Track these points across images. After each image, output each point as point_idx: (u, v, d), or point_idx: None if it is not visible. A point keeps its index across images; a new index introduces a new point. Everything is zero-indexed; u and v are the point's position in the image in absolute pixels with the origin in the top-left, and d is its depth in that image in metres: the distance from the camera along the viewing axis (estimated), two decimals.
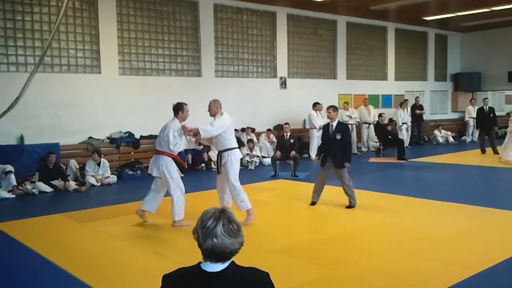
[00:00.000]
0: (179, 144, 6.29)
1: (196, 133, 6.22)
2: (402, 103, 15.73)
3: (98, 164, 9.91)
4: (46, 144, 9.83)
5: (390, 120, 15.47)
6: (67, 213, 7.23)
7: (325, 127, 7.33)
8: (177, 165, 6.45)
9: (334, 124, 7.13)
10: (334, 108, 7.20)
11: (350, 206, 7.06)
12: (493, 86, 19.25)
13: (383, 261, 4.79)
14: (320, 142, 8.56)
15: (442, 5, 14.30)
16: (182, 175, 6.54)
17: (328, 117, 7.24)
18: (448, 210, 6.92)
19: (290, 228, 6.28)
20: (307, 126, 13.62)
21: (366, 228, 6.07)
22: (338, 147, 7.04)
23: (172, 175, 6.31)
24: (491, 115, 14.05)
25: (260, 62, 13.86)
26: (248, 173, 11.16)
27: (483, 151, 13.76)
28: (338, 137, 7.03)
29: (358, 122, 14.94)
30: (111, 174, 10.19)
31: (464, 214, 6.64)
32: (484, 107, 14.21)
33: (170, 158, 6.35)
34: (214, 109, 6.37)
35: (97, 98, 10.73)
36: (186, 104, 6.45)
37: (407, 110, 15.79)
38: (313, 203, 7.31)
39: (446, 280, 4.18)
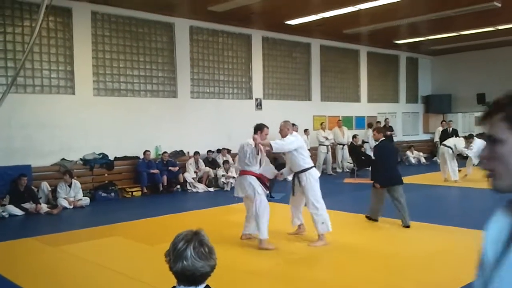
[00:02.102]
0: (257, 160, 6.27)
1: (266, 146, 6.23)
2: (371, 125, 16.16)
3: (69, 186, 9.73)
4: (17, 166, 9.62)
5: (363, 142, 15.73)
6: (38, 237, 7.05)
7: None
8: (261, 183, 6.34)
9: None
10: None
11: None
12: (463, 108, 19.79)
13: (358, 280, 4.82)
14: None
15: (413, 29, 14.73)
16: (267, 192, 6.54)
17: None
18: (421, 229, 7.01)
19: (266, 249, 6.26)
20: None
21: (341, 248, 6.10)
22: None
23: (258, 190, 6.23)
24: (454, 137, 14.52)
25: (236, 83, 13.96)
26: (224, 194, 11.13)
27: None
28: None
29: (332, 143, 15.12)
30: (84, 196, 10.01)
31: (436, 234, 6.74)
32: (448, 128, 15.18)
33: (254, 177, 6.28)
34: (285, 130, 6.43)
35: (71, 119, 10.60)
36: (267, 127, 6.45)
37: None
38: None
39: None
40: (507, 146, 1.14)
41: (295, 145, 6.27)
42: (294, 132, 6.53)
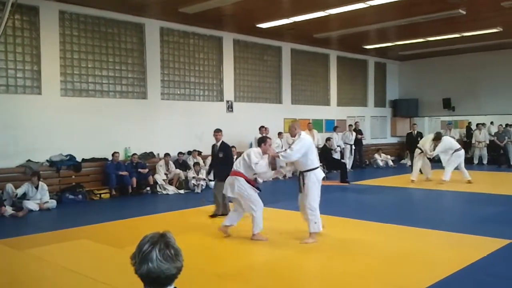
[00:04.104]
0: (261, 164, 6.53)
1: (276, 156, 6.57)
2: (336, 128, 16.57)
3: (36, 188, 9.52)
4: None
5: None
6: (3, 240, 6.85)
7: (213, 147, 8.68)
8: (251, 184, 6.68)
9: (218, 144, 8.53)
10: (218, 130, 8.67)
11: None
12: (430, 112, 20.29)
13: (329, 282, 4.88)
14: None
15: (381, 35, 15.03)
16: (259, 191, 6.73)
17: (216, 139, 8.56)
18: (388, 231, 7.15)
19: (236, 251, 6.27)
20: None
21: (311, 250, 6.16)
22: (220, 163, 8.28)
23: (248, 191, 6.57)
24: (418, 139, 14.81)
25: (206, 85, 13.93)
26: (194, 196, 11.08)
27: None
28: (221, 155, 8.38)
29: None
30: (51, 198, 9.81)
31: (403, 235, 6.88)
32: (413, 132, 15.62)
33: (244, 179, 6.59)
34: (293, 130, 6.59)
35: (37, 120, 10.37)
36: (270, 139, 6.94)
37: (350, 133, 16.58)
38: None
39: None
40: None
41: (303, 151, 6.36)
42: (303, 133, 6.56)
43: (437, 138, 12.47)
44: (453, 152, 12.32)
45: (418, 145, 13.04)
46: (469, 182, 12.24)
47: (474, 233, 6.75)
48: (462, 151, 12.60)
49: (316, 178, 6.46)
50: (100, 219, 8.27)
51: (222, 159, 8.40)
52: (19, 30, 10.29)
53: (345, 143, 16.50)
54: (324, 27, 13.57)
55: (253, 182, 6.73)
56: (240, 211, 6.86)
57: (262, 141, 6.78)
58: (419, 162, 12.77)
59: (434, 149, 12.44)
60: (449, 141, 12.55)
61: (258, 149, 6.73)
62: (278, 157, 6.51)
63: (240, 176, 6.62)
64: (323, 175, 6.73)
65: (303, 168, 6.49)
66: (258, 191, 6.73)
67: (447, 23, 12.97)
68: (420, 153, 12.72)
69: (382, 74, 20.55)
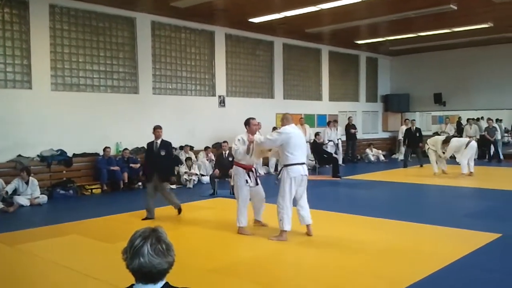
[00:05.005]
0: (239, 151, 6.65)
1: (251, 141, 6.63)
2: (330, 123, 16.43)
3: (27, 183, 9.45)
4: None
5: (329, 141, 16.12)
6: None
7: (150, 144, 8.07)
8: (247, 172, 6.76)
9: (159, 141, 7.92)
10: (159, 127, 7.99)
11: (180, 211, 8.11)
12: (421, 107, 20.39)
13: (320, 276, 4.91)
14: None
15: (373, 30, 15.05)
16: (252, 185, 6.75)
17: (155, 136, 7.95)
18: (379, 225, 7.20)
19: (228, 246, 6.29)
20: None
21: (302, 244, 6.18)
22: (162, 162, 7.84)
23: (238, 183, 6.71)
24: (417, 135, 15.55)
25: (198, 80, 13.89)
26: (187, 192, 11.07)
27: (406, 166, 15.35)
28: (163, 153, 7.85)
29: None
30: (42, 193, 9.75)
31: (394, 230, 6.93)
32: (412, 127, 15.71)
33: (237, 167, 6.79)
34: (283, 122, 6.60)
35: (27, 115, 10.29)
36: (253, 118, 6.85)
37: (334, 129, 16.43)
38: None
39: None
40: None
41: (277, 143, 6.34)
42: (288, 127, 6.40)
43: (446, 141, 13.16)
44: (466, 147, 12.85)
45: (428, 141, 13.62)
46: (470, 174, 12.80)
47: (464, 227, 6.81)
48: (474, 143, 13.26)
49: (287, 175, 6.29)
50: (92, 214, 8.24)
51: (164, 157, 7.90)
52: (9, 24, 10.18)
53: (329, 140, 16.30)
54: (316, 22, 13.56)
55: (242, 165, 6.76)
56: (256, 201, 7.02)
57: (246, 124, 6.85)
58: (432, 156, 13.32)
59: (443, 152, 13.17)
60: (456, 142, 13.19)
61: (244, 135, 6.79)
62: (253, 141, 6.57)
63: (235, 163, 6.87)
64: (301, 173, 6.36)
65: (281, 162, 6.50)
66: (247, 184, 6.67)
67: (438, 18, 13.01)
68: (429, 148, 13.36)
69: (373, 69, 20.59)
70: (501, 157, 17.06)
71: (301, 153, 6.44)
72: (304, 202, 6.50)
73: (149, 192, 7.98)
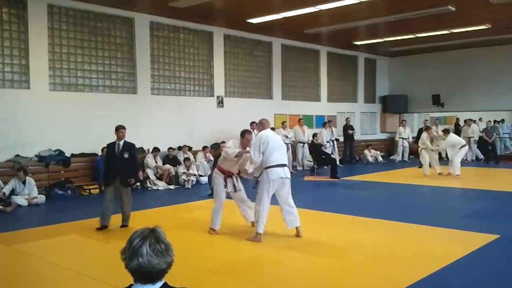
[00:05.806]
0: (230, 152, 6.59)
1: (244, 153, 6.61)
2: (325, 123, 16.39)
3: (24, 183, 9.43)
4: None
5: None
6: None
7: (111, 146, 7.41)
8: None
9: (121, 143, 7.33)
10: (123, 127, 7.44)
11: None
12: (419, 108, 20.41)
13: (317, 277, 4.91)
14: None
15: (371, 31, 15.06)
16: (229, 190, 6.81)
17: (118, 137, 7.36)
18: (377, 226, 7.20)
19: (226, 247, 6.28)
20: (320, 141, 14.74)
21: (301, 245, 6.19)
22: (125, 165, 7.27)
23: (216, 186, 6.85)
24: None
25: (197, 80, 13.88)
26: (185, 192, 11.07)
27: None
28: (126, 155, 7.29)
29: (293, 141, 15.28)
30: (40, 193, 9.74)
31: (392, 231, 6.93)
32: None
33: (217, 170, 6.91)
34: (258, 130, 6.65)
35: (25, 115, 10.27)
36: (249, 133, 6.77)
37: (330, 130, 16.36)
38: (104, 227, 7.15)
39: None
40: None
41: (258, 151, 6.23)
42: (265, 131, 6.41)
43: (446, 131, 13.40)
44: (461, 147, 12.93)
45: (418, 143, 13.78)
46: (456, 176, 12.73)
47: (462, 228, 6.82)
48: (467, 147, 13.52)
49: (266, 178, 6.26)
50: (90, 215, 8.21)
51: (127, 160, 7.31)
52: (7, 23, 10.16)
53: (328, 141, 16.21)
54: (315, 23, 13.57)
55: (223, 170, 6.78)
56: (239, 204, 7.00)
57: (240, 135, 6.77)
58: (426, 157, 13.38)
59: (430, 143, 13.36)
60: (455, 138, 13.26)
61: (238, 140, 6.74)
62: (247, 152, 6.49)
63: (217, 167, 6.92)
64: (279, 175, 6.28)
65: (261, 166, 6.39)
66: (225, 189, 6.75)
67: (436, 19, 13.03)
68: (423, 149, 13.44)
69: (372, 70, 20.61)
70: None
71: (280, 154, 6.42)
72: (289, 206, 6.42)
73: (106, 197, 7.27)
